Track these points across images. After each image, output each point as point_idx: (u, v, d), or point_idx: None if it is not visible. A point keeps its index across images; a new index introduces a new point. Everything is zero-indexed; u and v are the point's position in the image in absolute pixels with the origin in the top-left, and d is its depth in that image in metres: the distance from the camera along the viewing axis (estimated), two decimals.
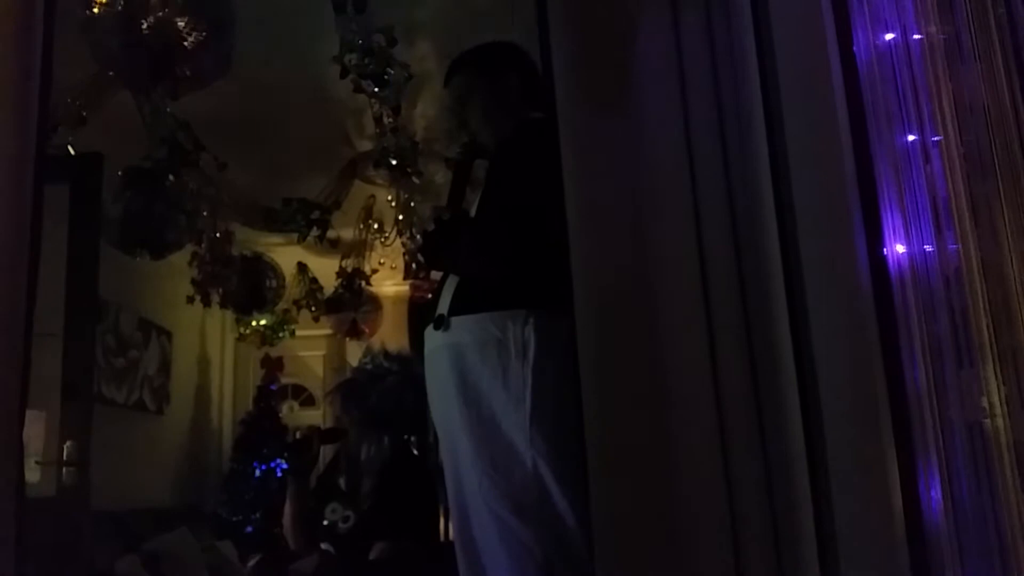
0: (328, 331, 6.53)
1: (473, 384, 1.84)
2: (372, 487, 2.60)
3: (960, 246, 1.35)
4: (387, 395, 2.59)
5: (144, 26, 2.64)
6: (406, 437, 2.70)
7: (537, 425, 1.78)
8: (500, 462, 1.80)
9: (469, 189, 2.03)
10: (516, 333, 1.81)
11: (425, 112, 4.17)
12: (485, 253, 1.90)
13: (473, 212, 2.02)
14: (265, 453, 6.11)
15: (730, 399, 1.57)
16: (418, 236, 5.02)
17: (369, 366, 2.70)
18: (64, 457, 3.22)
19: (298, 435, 2.75)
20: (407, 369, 2.62)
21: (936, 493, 1.37)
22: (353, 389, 2.67)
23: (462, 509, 1.86)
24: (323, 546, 2.69)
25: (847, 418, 1.43)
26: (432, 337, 1.94)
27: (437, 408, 1.95)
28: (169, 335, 5.95)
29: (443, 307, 1.93)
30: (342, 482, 2.71)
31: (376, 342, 2.84)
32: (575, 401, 1.60)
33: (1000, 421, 1.36)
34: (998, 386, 1.36)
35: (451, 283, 1.96)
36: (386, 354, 2.71)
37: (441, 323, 1.90)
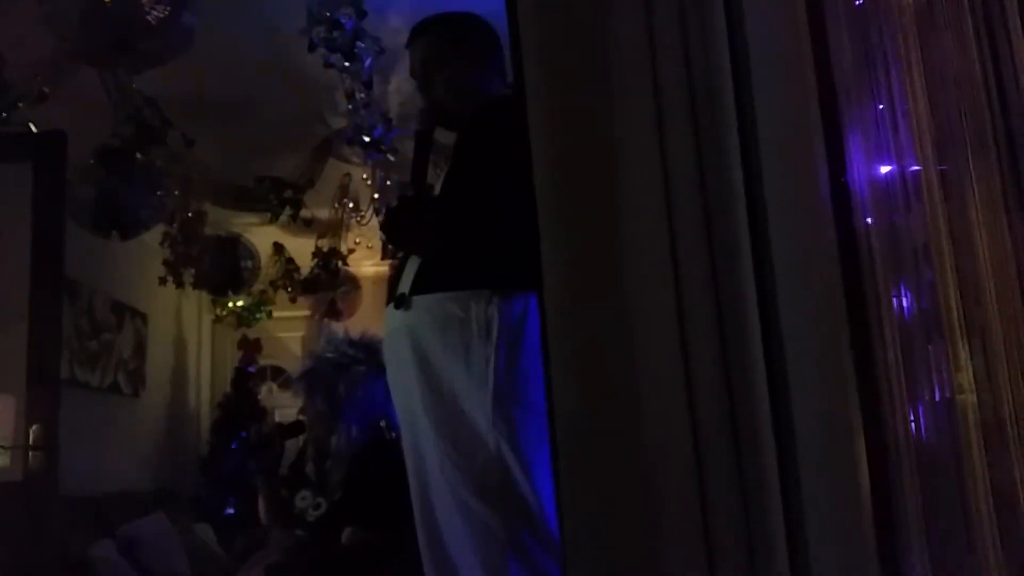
0: (306, 312, 6.48)
1: (434, 365, 1.81)
2: (342, 475, 2.57)
3: (929, 218, 1.32)
4: (354, 384, 2.54)
5: None
6: (380, 423, 2.67)
7: (500, 406, 1.75)
8: (462, 444, 1.77)
9: (432, 159, 1.98)
10: (479, 313, 1.78)
11: (399, 88, 4.11)
12: (450, 232, 1.85)
13: (438, 187, 1.98)
14: (244, 436, 6.06)
15: (699, 379, 1.55)
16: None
17: (332, 354, 2.65)
18: (31, 441, 3.16)
19: (260, 431, 2.72)
20: (374, 357, 2.57)
21: (904, 469, 1.35)
22: (317, 379, 2.62)
23: (424, 492, 1.83)
24: (297, 532, 2.66)
25: (815, 394, 1.41)
26: (393, 317, 1.90)
27: (397, 389, 1.91)
28: (144, 317, 5.88)
29: (404, 286, 1.89)
30: (312, 470, 2.68)
31: (339, 328, 2.78)
32: (538, 381, 1.57)
33: (968, 397, 1.34)
34: (967, 363, 1.35)
35: (413, 262, 1.92)
36: (350, 341, 2.66)
37: (402, 302, 1.86)
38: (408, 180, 1.93)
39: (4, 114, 3.09)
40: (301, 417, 2.76)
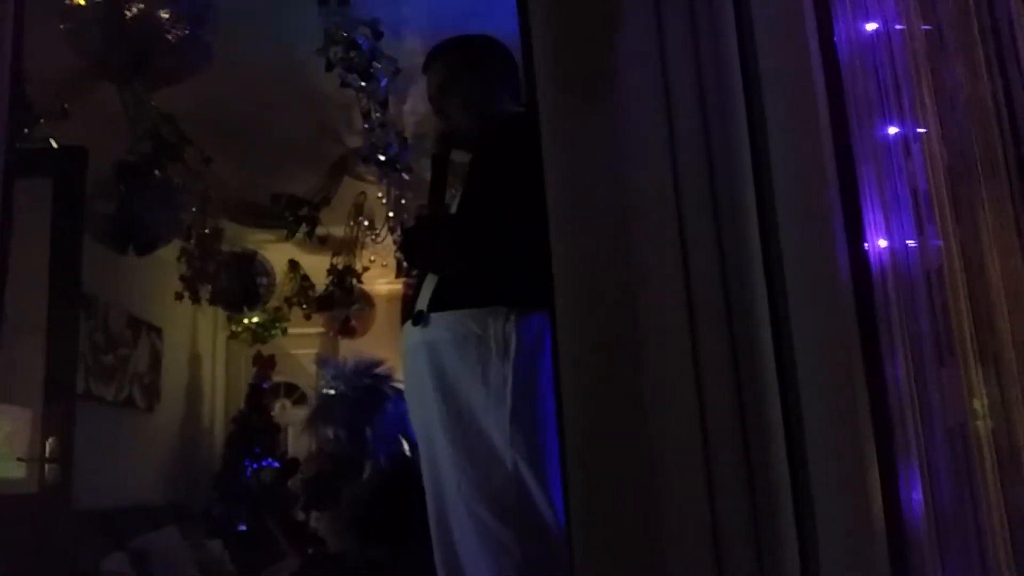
0: (320, 329, 6.50)
1: (452, 382, 1.81)
2: (360, 494, 2.55)
3: (942, 241, 1.32)
4: (371, 413, 2.52)
5: (127, 16, 2.60)
6: (398, 443, 2.65)
7: (517, 424, 1.75)
8: (479, 462, 1.76)
9: (451, 180, 2.00)
10: (496, 330, 1.78)
11: (415, 108, 4.14)
12: (465, 251, 1.87)
13: (455, 207, 1.99)
14: (257, 452, 6.07)
15: (711, 398, 1.55)
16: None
17: (341, 388, 2.60)
18: (47, 454, 3.19)
19: (261, 478, 2.69)
20: (385, 382, 2.55)
21: (917, 494, 1.34)
22: (328, 417, 2.59)
23: (440, 510, 1.83)
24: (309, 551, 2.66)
25: (827, 417, 1.41)
26: (411, 334, 1.91)
27: (414, 406, 1.92)
28: (160, 332, 5.91)
29: (422, 303, 1.89)
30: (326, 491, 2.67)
31: (341, 356, 2.73)
32: (556, 400, 1.57)
33: (982, 424, 1.34)
34: (980, 388, 1.34)
35: (431, 279, 1.92)
36: (356, 370, 2.63)
37: (420, 319, 1.87)
38: (426, 202, 1.95)
39: (26, 130, 3.14)
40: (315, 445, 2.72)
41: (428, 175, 4.79)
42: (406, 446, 2.65)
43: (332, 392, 2.60)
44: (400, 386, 2.60)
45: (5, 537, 3.07)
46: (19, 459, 3.20)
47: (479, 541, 1.75)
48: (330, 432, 2.55)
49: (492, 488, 1.75)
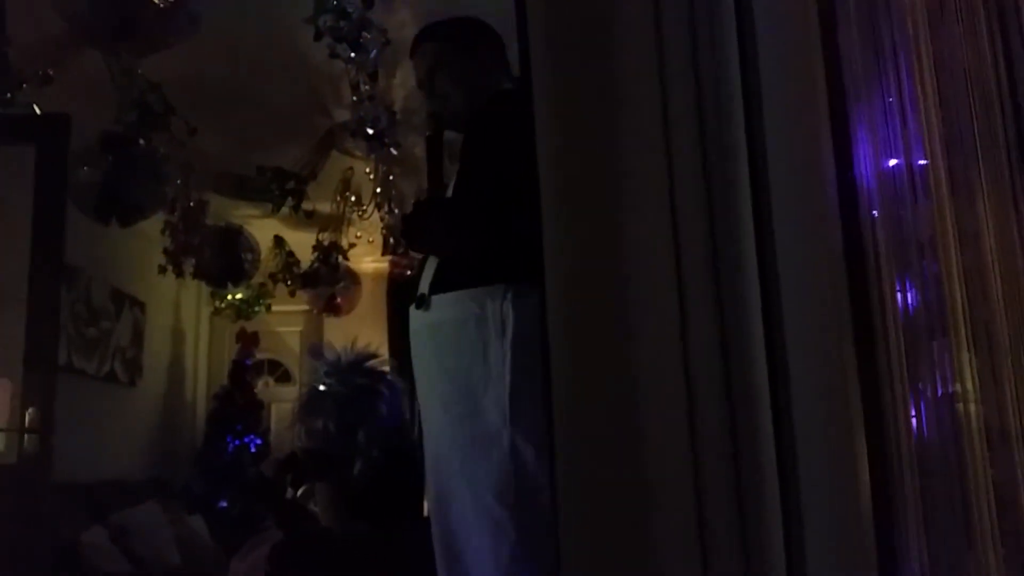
0: (305, 306, 6.47)
1: (453, 362, 1.82)
2: (355, 474, 2.51)
3: (936, 212, 1.31)
4: (359, 415, 2.47)
5: None
6: (395, 432, 2.60)
7: (516, 402, 1.74)
8: (478, 441, 1.77)
9: (447, 161, 2.01)
10: (495, 308, 1.78)
11: (404, 82, 4.10)
12: (461, 231, 1.88)
13: (451, 188, 1.99)
14: (239, 428, 6.05)
15: (699, 372, 1.54)
16: (395, 213, 4.98)
17: (333, 385, 2.53)
18: (27, 424, 3.15)
19: (262, 475, 2.64)
20: (375, 384, 2.49)
21: (904, 465, 1.34)
22: (318, 414, 2.52)
23: (440, 488, 1.84)
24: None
25: (816, 388, 1.40)
26: (415, 317, 1.93)
27: (421, 387, 1.93)
28: (143, 306, 5.87)
29: (424, 286, 1.91)
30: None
31: (330, 345, 2.64)
32: (543, 379, 1.56)
33: (973, 407, 1.33)
34: (971, 369, 1.33)
35: (432, 261, 1.94)
36: (356, 367, 2.56)
37: (423, 302, 1.89)
38: (421, 183, 1.97)
39: (8, 95, 3.08)
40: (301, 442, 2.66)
41: (417, 151, 4.78)
42: (402, 437, 2.61)
43: (323, 388, 2.52)
44: (393, 380, 2.57)
45: None
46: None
47: (477, 520, 1.75)
48: (319, 430, 2.49)
49: (490, 467, 1.75)
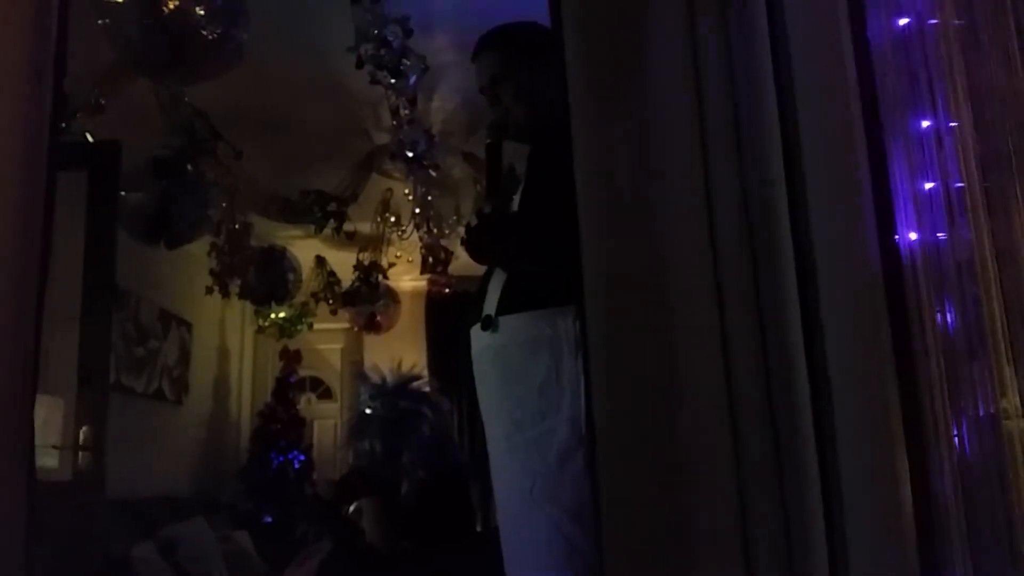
0: (346, 325, 6.55)
1: (524, 384, 1.80)
2: (404, 491, 2.56)
3: (973, 234, 1.32)
4: (403, 437, 2.52)
5: (163, 12, 2.65)
6: (439, 460, 2.64)
7: (592, 421, 1.68)
8: (552, 461, 1.75)
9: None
10: (567, 329, 1.77)
11: (443, 105, 4.17)
12: (532, 248, 1.85)
13: (517, 202, 1.97)
14: (283, 445, 6.15)
15: (742, 392, 1.55)
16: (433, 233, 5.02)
17: (378, 409, 2.60)
18: (80, 442, 3.24)
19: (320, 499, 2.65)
20: (418, 406, 2.54)
21: (947, 484, 1.34)
22: (364, 437, 2.59)
23: (512, 513, 1.82)
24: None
25: (858, 408, 1.41)
26: (478, 338, 1.91)
27: (487, 408, 1.91)
28: (189, 326, 5.99)
29: (490, 307, 1.89)
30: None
31: (375, 368, 2.70)
32: (585, 392, 1.57)
33: (1015, 424, 1.34)
34: (1011, 383, 1.34)
35: (497, 281, 1.91)
36: (400, 391, 2.61)
37: (489, 324, 1.86)
38: (475, 197, 1.95)
39: (63, 124, 3.19)
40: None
41: (455, 172, 4.83)
42: (446, 457, 2.64)
43: (369, 411, 2.59)
44: (436, 401, 2.60)
45: (40, 523, 3.13)
46: (54, 447, 3.26)
47: (553, 543, 1.72)
48: (366, 452, 2.56)
49: (565, 486, 1.73)
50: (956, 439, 1.36)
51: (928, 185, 1.35)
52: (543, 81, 1.99)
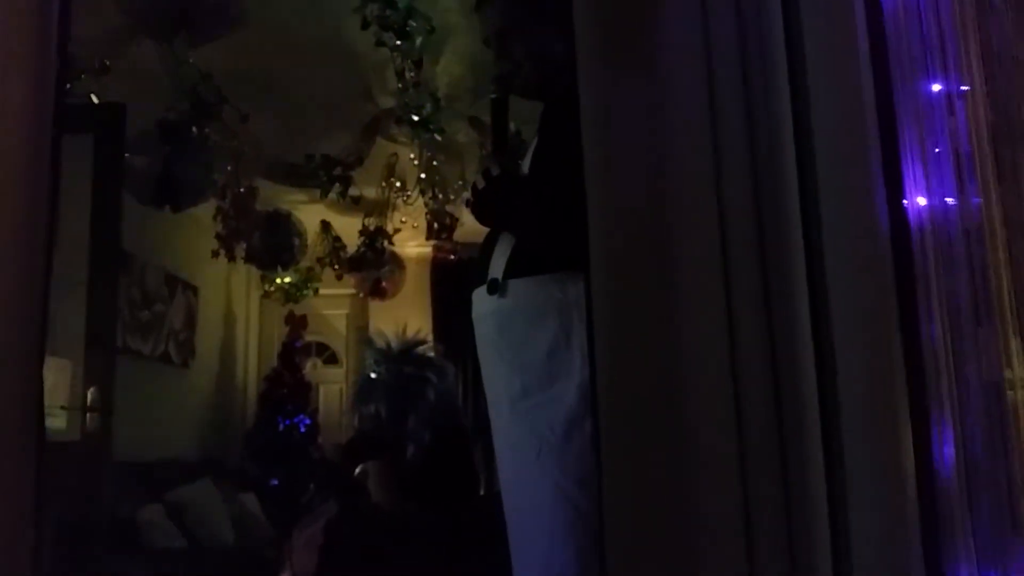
0: (351, 290, 6.56)
1: (530, 349, 1.76)
2: (411, 455, 2.57)
3: (982, 199, 1.31)
4: (415, 399, 2.52)
5: None
6: (444, 423, 2.64)
7: None
8: (559, 428, 1.72)
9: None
10: (577, 294, 1.71)
11: (448, 69, 4.13)
12: (542, 212, 1.80)
13: (527, 162, 1.92)
14: (289, 409, 6.19)
15: (745, 357, 1.55)
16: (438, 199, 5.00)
17: (383, 374, 2.60)
18: (88, 403, 3.27)
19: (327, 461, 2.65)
20: (423, 371, 2.55)
21: (949, 451, 1.35)
22: (368, 401, 2.59)
23: (515, 475, 1.79)
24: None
25: (862, 372, 1.41)
26: (483, 302, 1.85)
27: (489, 373, 1.86)
28: (195, 290, 6.01)
29: (496, 270, 1.83)
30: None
31: (380, 333, 2.70)
32: (590, 366, 1.56)
33: (1019, 394, 1.34)
34: (1019, 356, 1.34)
35: (502, 245, 1.85)
36: (405, 355, 2.61)
37: (496, 288, 1.81)
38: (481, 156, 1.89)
39: (68, 85, 3.18)
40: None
41: (460, 137, 4.79)
42: (451, 421, 2.65)
43: (374, 376, 2.61)
44: (441, 365, 2.60)
45: (49, 483, 3.17)
46: (62, 407, 3.29)
47: (557, 507, 1.70)
48: (371, 416, 2.57)
49: (571, 453, 1.70)
50: (960, 407, 1.36)
51: (937, 150, 1.34)
52: (553, 35, 1.88)
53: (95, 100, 3.39)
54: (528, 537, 1.76)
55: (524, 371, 1.77)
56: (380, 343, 2.64)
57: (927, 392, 1.37)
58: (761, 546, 1.46)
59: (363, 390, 2.62)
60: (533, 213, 1.80)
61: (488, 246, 1.90)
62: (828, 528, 1.43)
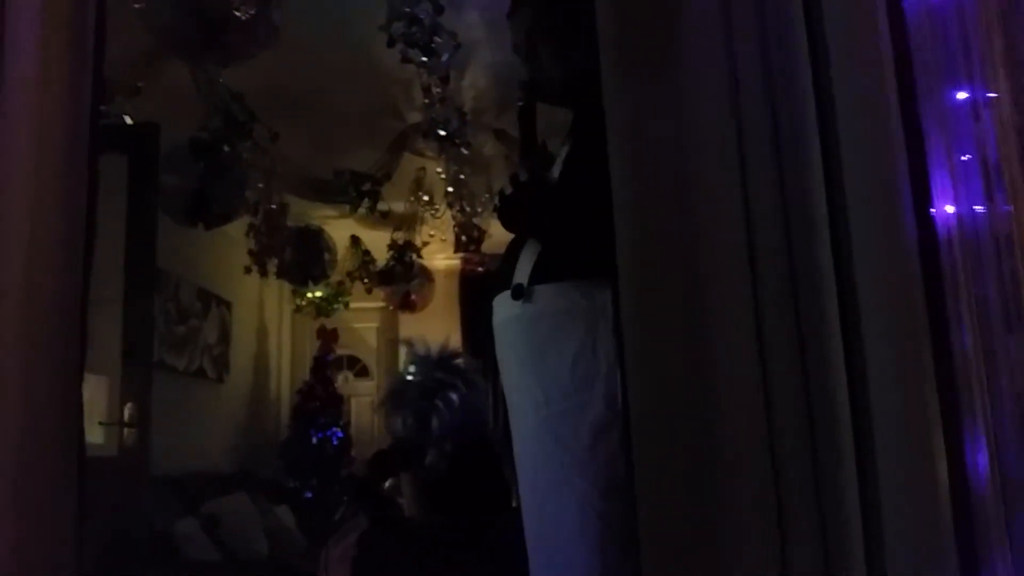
0: (381, 303, 6.62)
1: (555, 356, 1.74)
2: (430, 461, 2.58)
3: (1012, 207, 1.30)
4: (445, 408, 2.53)
5: None
6: (467, 435, 2.65)
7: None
8: (584, 436, 1.70)
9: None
10: (604, 301, 1.68)
11: (474, 83, 4.17)
12: (572, 219, 1.77)
13: (558, 167, 1.90)
14: (321, 422, 6.25)
15: (775, 365, 1.54)
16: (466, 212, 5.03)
17: (417, 376, 2.62)
18: (125, 419, 3.33)
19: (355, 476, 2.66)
20: (453, 378, 2.56)
21: (983, 459, 1.34)
22: (397, 402, 2.61)
23: (540, 485, 1.76)
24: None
25: (892, 383, 1.40)
26: (505, 307, 1.83)
27: (511, 380, 1.85)
28: (229, 305, 6.09)
29: (521, 276, 1.81)
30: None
31: (422, 340, 2.72)
32: (619, 368, 1.56)
33: None
34: None
35: (528, 250, 1.83)
36: (439, 362, 2.62)
37: (521, 293, 1.78)
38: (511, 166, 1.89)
39: (103, 107, 3.25)
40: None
41: (486, 150, 4.82)
42: (477, 433, 2.66)
43: (408, 379, 2.63)
44: (473, 378, 2.61)
45: (86, 497, 3.22)
46: (100, 423, 3.35)
47: (581, 516, 1.68)
48: (398, 418, 2.59)
49: (598, 462, 1.68)
50: (992, 413, 1.35)
51: (964, 158, 1.33)
52: (582, 41, 1.82)
53: (129, 121, 3.46)
54: (551, 547, 1.74)
55: (548, 378, 1.75)
56: (420, 349, 2.67)
57: (959, 401, 1.35)
58: (795, 554, 1.45)
59: (394, 391, 2.64)
60: (561, 218, 1.78)
61: (511, 254, 1.88)
62: (862, 536, 1.42)
